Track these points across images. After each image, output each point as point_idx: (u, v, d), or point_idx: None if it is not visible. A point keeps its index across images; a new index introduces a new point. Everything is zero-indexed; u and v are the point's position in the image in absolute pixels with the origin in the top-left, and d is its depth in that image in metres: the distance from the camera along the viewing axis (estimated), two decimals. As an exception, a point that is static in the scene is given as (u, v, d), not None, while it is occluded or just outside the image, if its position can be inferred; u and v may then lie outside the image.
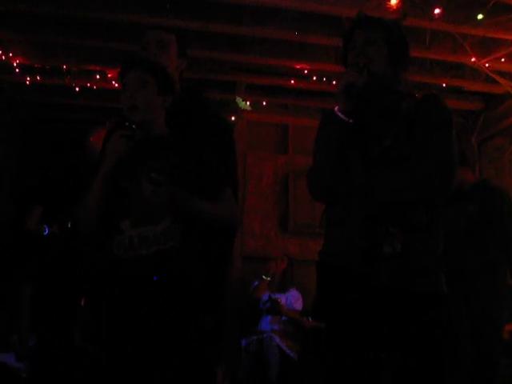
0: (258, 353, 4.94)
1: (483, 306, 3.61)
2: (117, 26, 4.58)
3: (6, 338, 4.85)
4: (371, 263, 1.79)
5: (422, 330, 1.78)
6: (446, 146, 1.83)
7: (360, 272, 1.81)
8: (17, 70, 5.14)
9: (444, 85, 5.34)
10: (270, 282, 5.41)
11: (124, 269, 1.96)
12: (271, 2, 4.15)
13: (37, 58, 5.09)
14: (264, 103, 6.02)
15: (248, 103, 5.78)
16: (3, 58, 4.90)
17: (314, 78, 5.36)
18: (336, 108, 1.90)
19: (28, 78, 5.35)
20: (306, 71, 5.24)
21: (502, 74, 4.96)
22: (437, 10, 4.02)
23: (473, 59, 4.65)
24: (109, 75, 5.29)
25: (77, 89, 5.56)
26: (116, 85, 5.24)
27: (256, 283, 5.44)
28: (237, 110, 5.81)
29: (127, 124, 2.08)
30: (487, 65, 4.72)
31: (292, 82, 5.48)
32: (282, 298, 5.23)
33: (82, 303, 4.30)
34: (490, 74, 4.86)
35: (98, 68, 5.27)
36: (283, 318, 5.16)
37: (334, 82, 5.02)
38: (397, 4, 3.88)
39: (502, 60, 4.68)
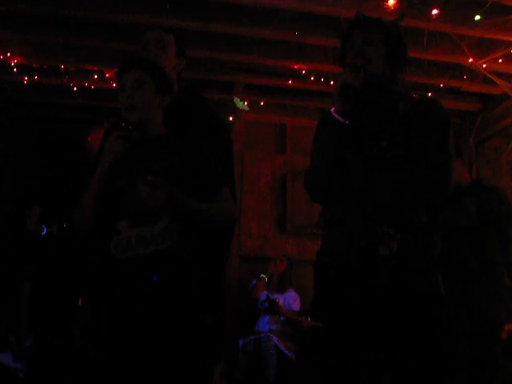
0: (256, 353, 4.94)
1: (481, 307, 3.62)
2: (115, 25, 4.58)
3: (3, 337, 4.85)
4: (369, 263, 1.80)
5: (421, 330, 1.78)
6: (443, 147, 1.84)
7: (358, 272, 1.81)
8: (15, 70, 5.13)
9: (442, 85, 5.35)
10: (268, 281, 5.41)
11: (122, 269, 1.96)
12: (269, 2, 4.15)
13: (35, 57, 5.09)
14: (262, 103, 6.02)
15: (246, 103, 5.78)
16: (1, 57, 4.89)
17: (312, 78, 5.36)
18: (332, 109, 1.91)
19: (26, 78, 5.35)
20: (303, 71, 5.25)
21: (499, 74, 4.97)
22: (434, 11, 4.03)
23: (470, 60, 4.66)
24: (107, 75, 5.29)
25: (75, 89, 5.56)
26: (114, 85, 5.24)
27: (254, 282, 5.44)
28: (235, 110, 5.81)
29: (124, 125, 2.09)
30: (485, 65, 4.73)
31: (290, 82, 5.49)
32: (280, 299, 5.23)
33: (80, 303, 4.30)
34: (488, 74, 4.87)
35: (96, 68, 5.27)
36: (281, 318, 5.16)
37: (332, 83, 5.02)
38: (394, 5, 3.89)
39: (500, 61, 4.69)
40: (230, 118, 5.84)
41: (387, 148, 1.87)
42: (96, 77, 5.35)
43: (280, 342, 4.94)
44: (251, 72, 5.44)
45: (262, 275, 5.42)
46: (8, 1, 4.19)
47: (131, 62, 2.14)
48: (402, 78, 2.05)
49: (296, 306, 5.26)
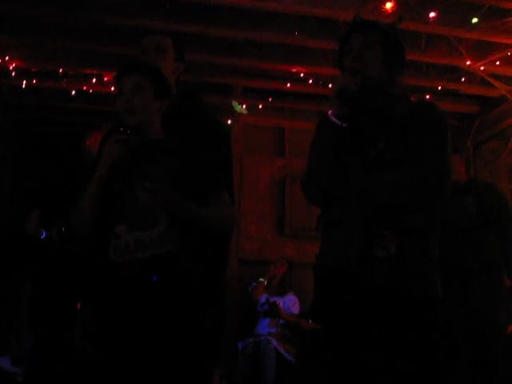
0: (255, 356, 4.94)
1: (481, 307, 3.62)
2: (114, 29, 4.58)
3: (3, 339, 4.84)
4: (367, 265, 1.80)
5: (418, 334, 1.78)
6: (441, 150, 1.85)
7: (355, 274, 1.81)
8: (13, 74, 5.14)
9: (439, 88, 5.36)
10: (267, 284, 5.42)
11: (121, 273, 1.96)
12: (267, 5, 4.16)
13: (34, 61, 5.10)
14: (260, 106, 6.02)
15: (244, 107, 5.78)
16: (-1, 61, 4.91)
17: (311, 81, 5.37)
18: (330, 112, 1.92)
19: (24, 82, 5.35)
20: (302, 74, 5.25)
21: (497, 77, 4.98)
22: (432, 14, 4.04)
23: (468, 62, 4.67)
24: (105, 79, 5.30)
25: (73, 92, 5.56)
26: (112, 89, 5.24)
27: (254, 285, 5.45)
28: (233, 114, 5.82)
29: (122, 129, 2.09)
30: (482, 68, 4.74)
31: (288, 85, 5.49)
32: (280, 302, 5.23)
33: (79, 306, 4.30)
34: (486, 77, 4.88)
35: (94, 72, 5.28)
36: (281, 321, 5.16)
37: (330, 85, 5.03)
38: (392, 8, 3.90)
39: (497, 63, 4.70)
40: (229, 122, 5.84)
41: (385, 150, 1.88)
42: (94, 80, 5.36)
43: (279, 345, 4.94)
44: (249, 75, 5.45)
45: (260, 279, 5.43)
46: (6, 5, 4.19)
47: (130, 66, 2.14)
48: (400, 80, 2.05)
49: (295, 309, 5.26)
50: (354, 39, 1.98)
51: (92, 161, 2.26)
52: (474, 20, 4.09)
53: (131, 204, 1.98)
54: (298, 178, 5.75)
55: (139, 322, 1.91)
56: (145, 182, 1.89)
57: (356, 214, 1.85)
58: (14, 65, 5.01)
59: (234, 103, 5.66)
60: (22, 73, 5.24)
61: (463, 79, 5.23)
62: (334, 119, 1.90)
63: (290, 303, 5.28)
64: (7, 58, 4.90)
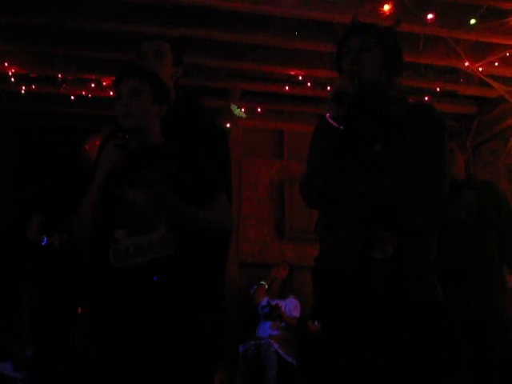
0: (256, 358, 4.94)
1: (481, 307, 3.61)
2: (112, 35, 4.59)
3: (4, 346, 4.84)
4: (364, 267, 1.80)
5: (418, 335, 1.78)
6: (438, 151, 1.85)
7: (353, 276, 1.82)
8: (12, 80, 5.15)
9: (438, 89, 5.36)
10: (268, 287, 5.43)
11: (120, 277, 1.97)
12: (265, 9, 4.16)
13: (33, 67, 5.11)
14: (259, 110, 6.03)
15: (243, 110, 5.79)
16: (-2, 67, 4.92)
17: (309, 84, 5.38)
18: (327, 115, 1.92)
19: (23, 88, 5.36)
20: (300, 77, 5.26)
21: (495, 78, 4.98)
22: (430, 16, 4.05)
23: (466, 63, 4.68)
24: (104, 84, 5.31)
25: (72, 97, 5.57)
26: (111, 93, 5.25)
27: (255, 288, 5.46)
28: (232, 117, 5.82)
29: (120, 134, 2.10)
30: (481, 69, 4.75)
31: (287, 88, 5.50)
32: (281, 305, 5.24)
33: (80, 311, 4.30)
34: (484, 78, 4.88)
35: (93, 77, 5.29)
36: (282, 324, 5.16)
37: (329, 88, 5.03)
38: (390, 10, 3.91)
39: (496, 64, 4.71)
40: (227, 125, 5.85)
41: (382, 152, 1.88)
42: (93, 85, 5.37)
43: (280, 348, 4.94)
44: (248, 78, 5.46)
45: (261, 282, 5.44)
46: (5, 12, 4.20)
47: (129, 71, 2.15)
48: (398, 82, 2.06)
49: (296, 312, 5.27)
50: (352, 42, 1.99)
51: (91, 166, 2.26)
52: (472, 21, 4.10)
53: (130, 208, 1.98)
54: (296, 180, 5.72)
55: (139, 322, 1.92)
56: (142, 185, 1.90)
57: (354, 216, 1.85)
58: (13, 71, 5.02)
59: (233, 107, 5.66)
60: (21, 79, 5.25)
61: (461, 80, 5.23)
62: (331, 122, 1.90)
63: (292, 306, 5.28)
64: (6, 64, 4.91)
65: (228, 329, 5.38)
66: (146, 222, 1.98)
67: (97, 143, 4.69)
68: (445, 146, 1.87)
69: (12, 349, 4.79)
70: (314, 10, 4.10)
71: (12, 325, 4.96)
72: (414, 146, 1.85)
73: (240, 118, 5.82)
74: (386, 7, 3.91)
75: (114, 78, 2.20)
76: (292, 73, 5.19)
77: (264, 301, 5.32)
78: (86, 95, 5.52)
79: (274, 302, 5.26)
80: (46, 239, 5.18)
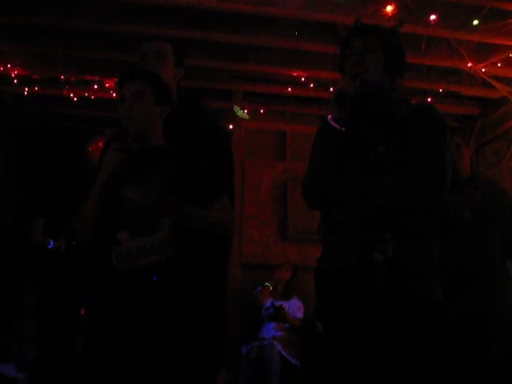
0: (259, 359, 4.94)
1: (482, 307, 3.60)
2: (115, 36, 4.59)
3: (7, 346, 4.84)
4: (365, 268, 1.80)
5: (419, 336, 1.78)
6: (440, 153, 1.85)
7: (355, 277, 1.82)
8: (15, 81, 5.15)
9: (441, 90, 5.35)
10: (272, 288, 5.43)
11: (123, 279, 1.97)
12: (268, 10, 4.16)
13: (35, 68, 5.11)
14: (262, 111, 6.03)
15: (246, 111, 5.79)
16: (1, 69, 4.91)
17: (312, 85, 5.37)
18: (329, 116, 1.93)
19: (26, 89, 5.37)
20: (303, 78, 5.25)
21: (498, 78, 4.97)
22: (432, 17, 4.04)
23: (469, 64, 4.67)
24: (107, 85, 5.31)
25: (75, 99, 5.57)
26: (114, 95, 5.26)
27: (259, 289, 5.46)
28: (234, 118, 5.83)
29: (122, 136, 2.11)
30: (484, 70, 4.73)
31: (289, 89, 5.49)
32: (285, 306, 5.24)
33: (83, 312, 4.30)
34: (487, 78, 4.88)
35: (96, 78, 5.29)
36: (286, 325, 5.16)
37: (331, 89, 5.02)
38: (393, 11, 3.90)
39: (499, 65, 4.69)
40: (230, 127, 5.86)
41: (384, 154, 1.89)
42: (96, 87, 5.37)
43: (283, 349, 4.94)
44: (250, 80, 5.45)
45: (266, 283, 5.44)
46: (7, 13, 4.20)
47: (131, 73, 2.15)
48: (401, 83, 2.06)
49: (300, 313, 5.27)
50: (355, 43, 1.99)
51: (94, 168, 2.27)
52: (475, 22, 4.09)
53: (132, 210, 1.99)
54: (299, 181, 5.71)
55: (139, 321, 1.92)
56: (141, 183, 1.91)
57: (356, 218, 1.86)
58: (15, 72, 5.02)
59: (236, 108, 5.66)
60: (23, 80, 5.25)
61: (464, 81, 5.22)
62: (333, 123, 1.90)
63: (295, 307, 5.29)
64: (9, 65, 4.91)
65: (231, 330, 5.38)
66: (147, 223, 1.98)
67: (100, 145, 4.71)
68: (446, 147, 1.87)
69: (14, 349, 4.79)
70: (317, 12, 4.09)
71: (12, 325, 4.97)
72: (416, 148, 1.85)
73: (243, 119, 5.82)
74: (389, 8, 3.90)
75: (116, 80, 2.21)
76: (295, 74, 5.19)
77: (268, 302, 5.33)
78: (89, 97, 5.52)
79: (277, 304, 5.26)
80: (52, 243, 5.17)
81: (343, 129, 1.89)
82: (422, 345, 1.78)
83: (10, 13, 4.21)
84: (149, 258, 1.96)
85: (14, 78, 5.11)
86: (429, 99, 5.39)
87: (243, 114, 5.73)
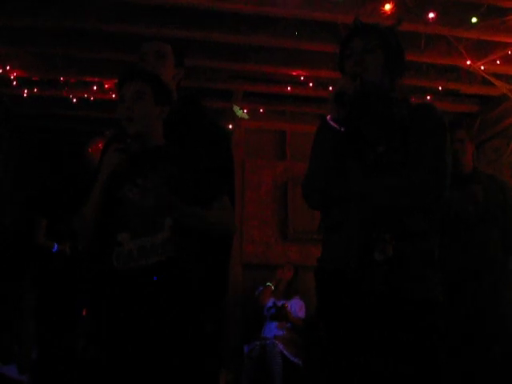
0: (261, 358, 4.94)
1: (482, 307, 3.60)
2: (114, 36, 4.59)
3: (9, 349, 4.84)
4: (365, 268, 1.80)
5: (419, 336, 1.78)
6: (440, 153, 1.86)
7: (355, 277, 1.82)
8: (14, 83, 5.15)
9: (440, 88, 5.35)
10: (274, 288, 5.44)
11: (124, 280, 1.97)
12: (267, 10, 4.16)
13: (35, 70, 5.11)
14: (261, 110, 6.03)
15: (245, 111, 5.79)
16: (0, 71, 4.91)
17: (311, 85, 5.37)
18: (328, 116, 1.93)
19: (26, 91, 5.36)
20: (302, 78, 5.25)
21: (497, 76, 4.97)
22: (431, 15, 4.04)
23: (468, 62, 4.67)
24: (106, 86, 5.31)
25: (74, 100, 5.57)
26: (114, 96, 5.25)
27: (261, 289, 5.46)
28: (234, 118, 5.83)
29: (122, 137, 2.11)
30: (483, 67, 4.73)
31: (289, 88, 5.49)
32: (287, 305, 5.25)
33: (84, 313, 4.30)
34: (486, 76, 4.87)
35: (95, 79, 5.29)
36: (288, 324, 5.17)
37: (331, 88, 5.03)
38: (391, 9, 3.90)
39: (498, 62, 4.69)
40: (230, 126, 5.86)
41: (384, 154, 1.89)
42: (95, 88, 5.37)
43: (285, 348, 4.94)
44: (250, 80, 5.45)
45: (267, 283, 5.44)
46: (6, 14, 4.20)
47: (131, 74, 2.16)
48: (401, 83, 2.06)
49: (302, 313, 5.27)
50: (355, 43, 1.99)
51: (94, 169, 2.27)
52: (474, 19, 4.09)
53: (133, 210, 1.99)
54: (299, 181, 5.69)
55: (139, 321, 1.92)
56: (138, 180, 1.91)
57: (356, 218, 1.86)
58: (15, 74, 5.02)
59: (235, 108, 5.66)
60: (23, 82, 5.25)
61: (463, 79, 5.22)
62: (332, 123, 1.90)
63: (297, 307, 5.29)
64: (8, 67, 4.91)
65: (233, 330, 5.38)
66: (147, 224, 1.99)
67: (99, 146, 4.70)
68: (446, 147, 1.87)
69: (14, 350, 4.80)
70: (316, 11, 4.09)
71: (12, 325, 4.97)
72: (416, 148, 1.85)
73: (242, 119, 5.82)
74: (388, 7, 3.90)
75: (116, 81, 2.21)
76: (294, 73, 5.19)
77: (270, 302, 5.33)
78: (89, 98, 5.52)
79: (279, 303, 5.27)
80: (56, 246, 5.16)
81: (342, 128, 1.90)
82: (422, 345, 1.78)
83: (9, 14, 4.21)
84: (149, 259, 1.96)
85: (13, 80, 5.11)
86: (428, 97, 5.39)
87: (243, 113, 5.74)
